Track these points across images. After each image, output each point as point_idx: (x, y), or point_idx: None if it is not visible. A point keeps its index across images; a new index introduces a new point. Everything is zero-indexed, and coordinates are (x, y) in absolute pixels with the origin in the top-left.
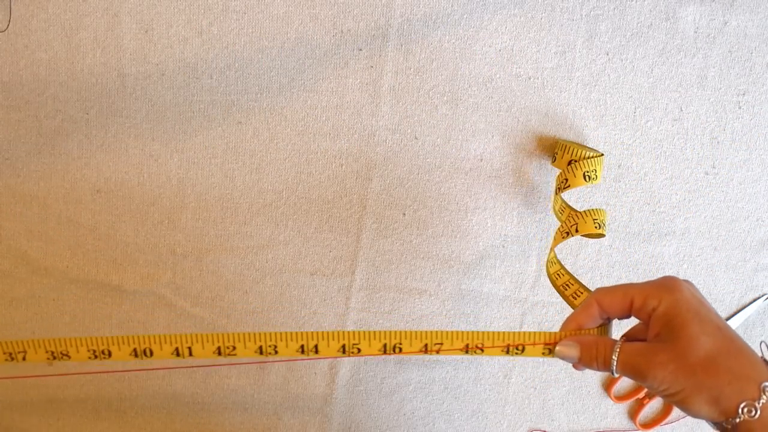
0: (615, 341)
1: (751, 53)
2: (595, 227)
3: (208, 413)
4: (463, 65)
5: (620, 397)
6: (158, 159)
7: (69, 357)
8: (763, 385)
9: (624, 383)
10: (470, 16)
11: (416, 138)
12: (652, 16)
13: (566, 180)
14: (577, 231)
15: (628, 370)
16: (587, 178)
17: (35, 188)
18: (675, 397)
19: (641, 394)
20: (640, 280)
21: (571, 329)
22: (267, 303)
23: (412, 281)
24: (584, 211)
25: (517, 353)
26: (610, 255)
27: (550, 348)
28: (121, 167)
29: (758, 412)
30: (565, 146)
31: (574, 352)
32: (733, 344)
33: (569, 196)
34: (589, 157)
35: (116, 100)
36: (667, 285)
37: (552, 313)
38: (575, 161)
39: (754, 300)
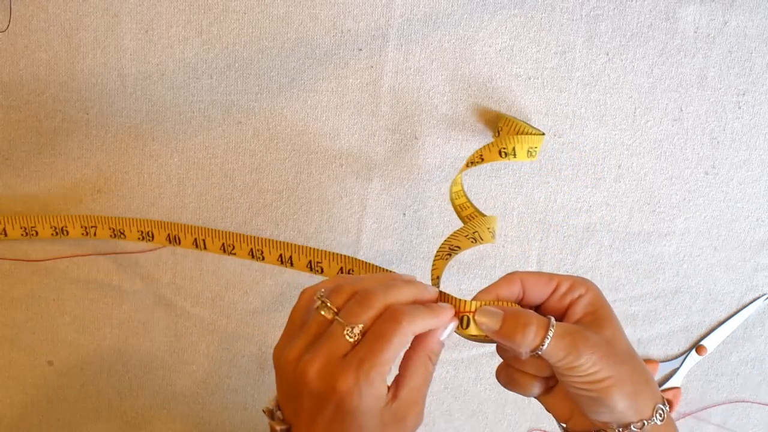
0: (548, 316)
1: (751, 53)
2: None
3: (208, 413)
4: (463, 65)
5: None
6: (158, 159)
7: (124, 236)
8: (657, 406)
9: None
10: (470, 16)
11: (416, 138)
12: (652, 16)
13: (482, 157)
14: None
15: (561, 348)
16: (529, 153)
17: (35, 188)
18: (600, 383)
19: None
20: (640, 281)
21: (488, 299)
22: (267, 303)
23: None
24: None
25: None
26: (610, 255)
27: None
28: (121, 167)
29: (665, 418)
30: (508, 120)
31: (495, 321)
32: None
33: (570, 196)
34: (531, 134)
35: (116, 100)
36: (587, 281)
37: None
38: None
39: (754, 300)
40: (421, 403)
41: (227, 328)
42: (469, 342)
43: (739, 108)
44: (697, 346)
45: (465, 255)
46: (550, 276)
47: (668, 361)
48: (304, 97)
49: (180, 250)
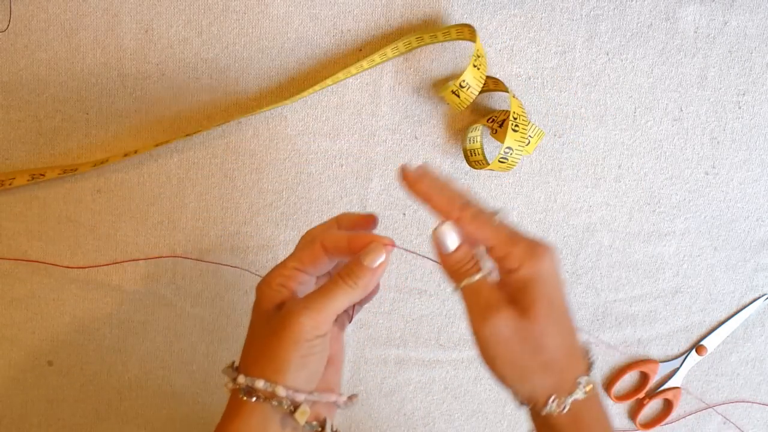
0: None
1: (751, 53)
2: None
3: (208, 413)
4: (463, 65)
5: (620, 397)
6: (158, 159)
7: None
8: (579, 379)
9: (624, 383)
10: (470, 16)
11: (416, 138)
12: (652, 16)
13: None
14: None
15: (472, 300)
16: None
17: (35, 188)
18: (492, 357)
19: (641, 394)
20: (640, 281)
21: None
22: None
23: (412, 281)
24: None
25: None
26: (610, 255)
27: None
28: (121, 167)
29: (566, 407)
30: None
31: (455, 239)
32: (568, 333)
33: (570, 196)
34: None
35: (116, 100)
36: (535, 251)
37: None
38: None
39: (754, 300)
40: (312, 316)
41: (227, 329)
42: (470, 342)
43: (739, 108)
44: (697, 346)
45: None
46: (490, 236)
47: (668, 361)
48: (304, 97)
49: (180, 249)
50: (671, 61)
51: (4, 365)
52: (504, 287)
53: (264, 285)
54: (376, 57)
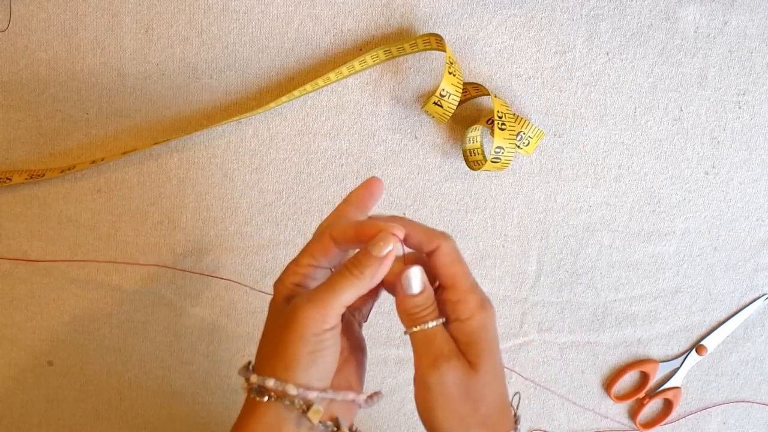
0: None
1: (751, 53)
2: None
3: (208, 413)
4: (463, 65)
5: (620, 397)
6: (158, 159)
7: None
8: None
9: (624, 383)
10: (470, 16)
11: (416, 138)
12: (652, 16)
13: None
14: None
15: (423, 346)
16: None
17: (35, 188)
18: (432, 409)
19: (641, 394)
20: (640, 281)
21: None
22: (267, 303)
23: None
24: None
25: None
26: (610, 255)
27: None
28: (121, 167)
29: None
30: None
31: (420, 283)
32: (504, 388)
33: (570, 196)
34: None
35: (116, 100)
36: (485, 305)
37: (552, 312)
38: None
39: (754, 300)
40: (318, 308)
41: (227, 329)
42: None
43: (739, 108)
44: (697, 346)
45: (464, 254)
46: (454, 272)
47: (668, 361)
48: (304, 97)
49: (180, 249)
50: (671, 61)
51: (4, 365)
52: (452, 335)
53: (279, 283)
54: (332, 75)
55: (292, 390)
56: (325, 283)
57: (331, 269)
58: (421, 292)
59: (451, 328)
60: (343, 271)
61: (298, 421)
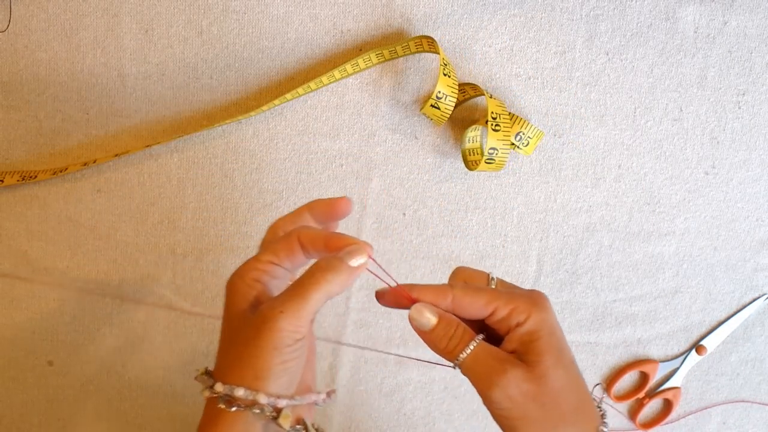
0: (474, 333)
1: (751, 53)
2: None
3: None
4: (463, 65)
5: (620, 397)
6: (158, 159)
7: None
8: (600, 429)
9: (624, 383)
10: (470, 16)
11: (416, 138)
12: (652, 16)
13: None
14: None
15: (474, 370)
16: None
17: (35, 188)
18: (509, 421)
19: (641, 394)
20: (640, 281)
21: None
22: None
23: (412, 281)
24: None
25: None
26: (610, 255)
27: None
28: (121, 167)
29: None
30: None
31: (432, 319)
32: (579, 382)
33: (570, 196)
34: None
35: (116, 100)
36: (537, 301)
37: None
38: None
39: (754, 300)
40: (287, 316)
41: None
42: None
43: (739, 108)
44: (697, 346)
45: (464, 254)
46: (489, 299)
47: (668, 361)
48: (304, 97)
49: (180, 249)
50: (671, 61)
51: (4, 365)
52: (508, 345)
53: (237, 278)
54: (324, 79)
55: (263, 399)
56: (295, 291)
57: (289, 270)
58: (438, 323)
59: (511, 338)
60: (314, 279)
61: (266, 427)
